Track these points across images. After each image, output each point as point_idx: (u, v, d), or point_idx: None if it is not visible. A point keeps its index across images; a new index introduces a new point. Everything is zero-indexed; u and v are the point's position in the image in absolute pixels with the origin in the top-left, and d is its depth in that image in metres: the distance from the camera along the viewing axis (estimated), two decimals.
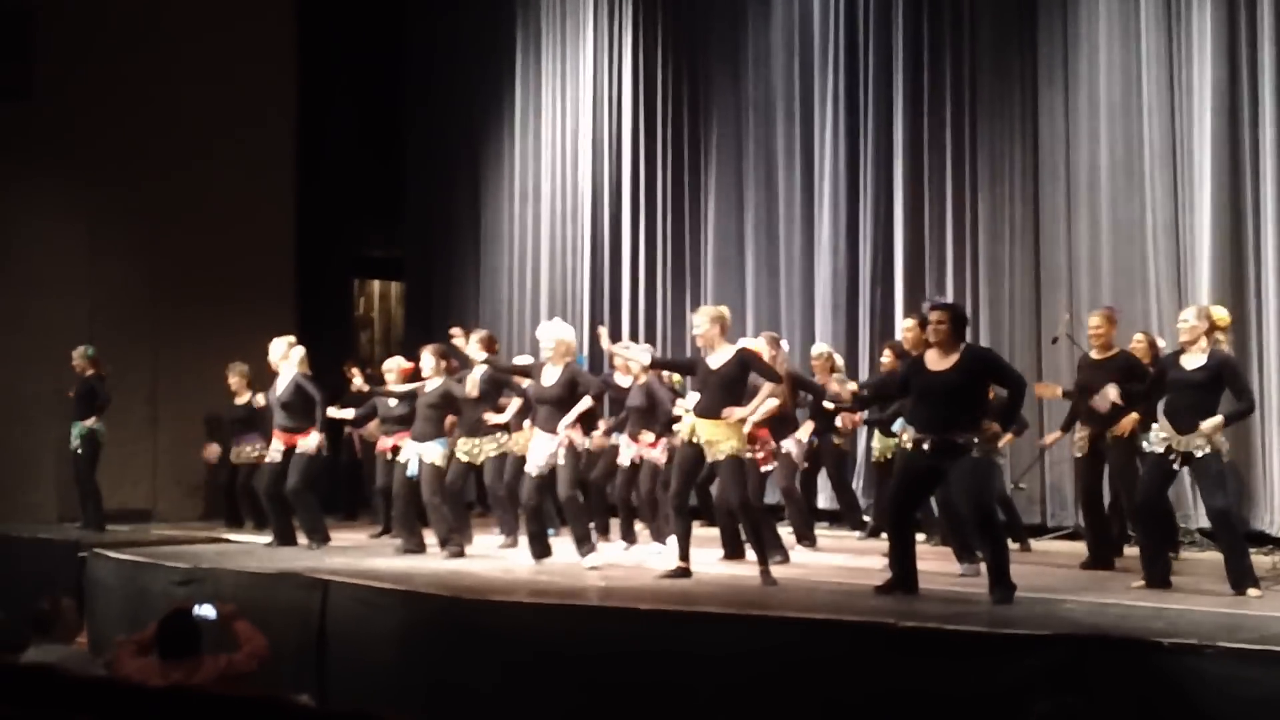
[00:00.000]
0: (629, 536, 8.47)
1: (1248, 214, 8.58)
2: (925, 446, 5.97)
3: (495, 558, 8.03)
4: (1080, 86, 9.46)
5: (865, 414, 8.73)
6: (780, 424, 7.95)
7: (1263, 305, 8.49)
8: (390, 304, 14.35)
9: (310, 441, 8.42)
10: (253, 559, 7.83)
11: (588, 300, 12.17)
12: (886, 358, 8.64)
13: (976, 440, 5.90)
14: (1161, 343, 7.87)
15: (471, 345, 8.34)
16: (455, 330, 8.43)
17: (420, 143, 13.69)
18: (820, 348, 9.33)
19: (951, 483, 6.08)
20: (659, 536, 8.16)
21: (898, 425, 7.22)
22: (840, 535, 9.38)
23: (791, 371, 8.29)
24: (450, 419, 8.36)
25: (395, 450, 8.81)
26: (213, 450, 10.82)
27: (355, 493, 11.08)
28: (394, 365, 9.31)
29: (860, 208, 10.58)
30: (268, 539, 8.71)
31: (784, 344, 8.52)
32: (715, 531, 8.03)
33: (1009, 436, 7.80)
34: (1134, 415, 6.94)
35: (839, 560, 7.91)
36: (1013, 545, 7.06)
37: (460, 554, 7.91)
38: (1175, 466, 6.23)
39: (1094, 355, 7.30)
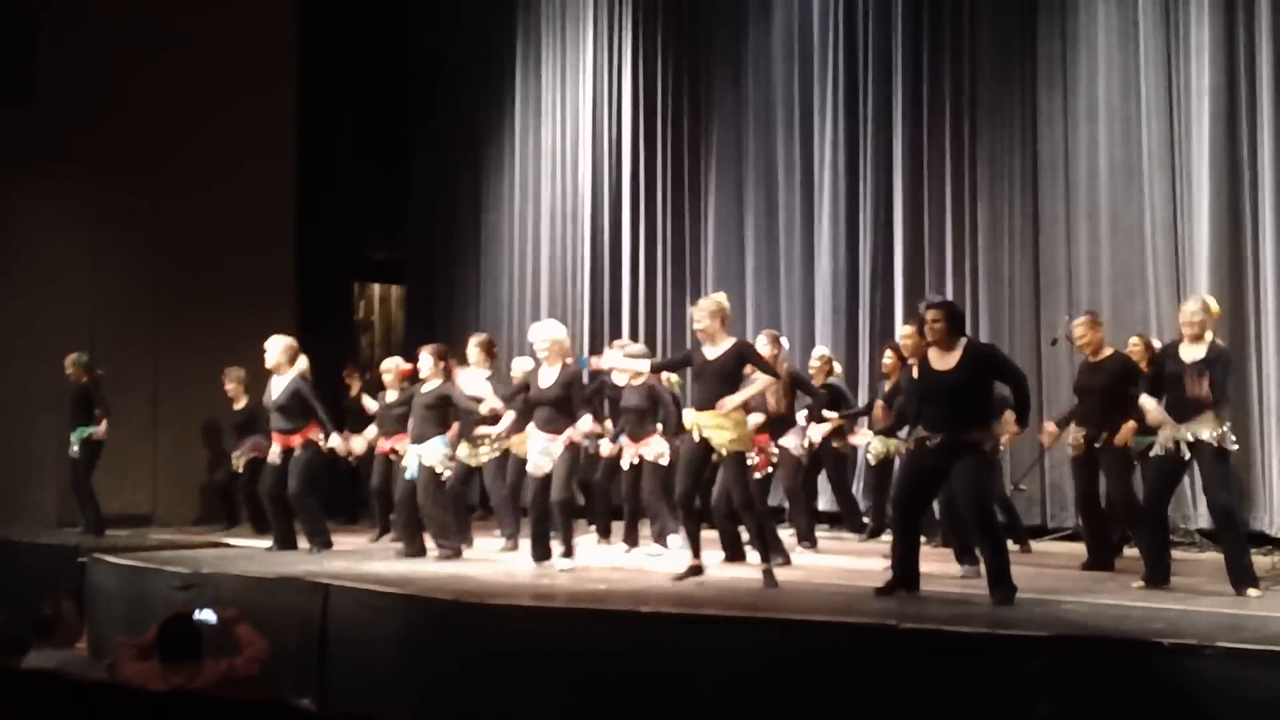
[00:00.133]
0: (631, 539, 8.47)
1: (1246, 217, 8.61)
2: (931, 444, 5.97)
3: (496, 561, 8.03)
4: (1079, 90, 9.48)
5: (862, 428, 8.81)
6: (779, 424, 7.96)
7: (1261, 307, 8.51)
8: (390, 307, 14.36)
9: (322, 438, 8.39)
10: (253, 563, 7.83)
11: (588, 303, 12.18)
12: (888, 359, 8.65)
13: (983, 439, 5.92)
14: (1158, 344, 7.87)
15: (471, 350, 8.34)
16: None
17: (424, 146, 13.71)
18: (820, 351, 9.34)
19: (953, 482, 6.08)
20: (660, 538, 8.16)
21: (902, 433, 7.22)
22: (841, 537, 9.39)
23: (792, 370, 8.28)
24: (452, 431, 8.29)
25: (393, 452, 8.81)
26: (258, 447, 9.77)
27: (356, 496, 11.08)
28: (391, 366, 9.30)
29: (860, 211, 10.60)
30: (268, 543, 8.71)
31: (784, 341, 8.50)
32: (714, 534, 8.03)
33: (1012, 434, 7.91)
34: (1131, 424, 6.94)
35: (840, 562, 7.92)
36: (1013, 547, 7.06)
37: (455, 556, 7.91)
38: (1185, 458, 6.22)
39: (1090, 359, 7.32)
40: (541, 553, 7.52)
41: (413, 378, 8.66)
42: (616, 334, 11.38)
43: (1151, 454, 6.41)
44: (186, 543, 9.24)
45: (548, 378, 7.41)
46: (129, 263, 11.40)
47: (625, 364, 7.65)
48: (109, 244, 11.31)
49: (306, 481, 8.40)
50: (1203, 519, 8.47)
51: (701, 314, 6.76)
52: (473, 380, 8.11)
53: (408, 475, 8.06)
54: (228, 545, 9.10)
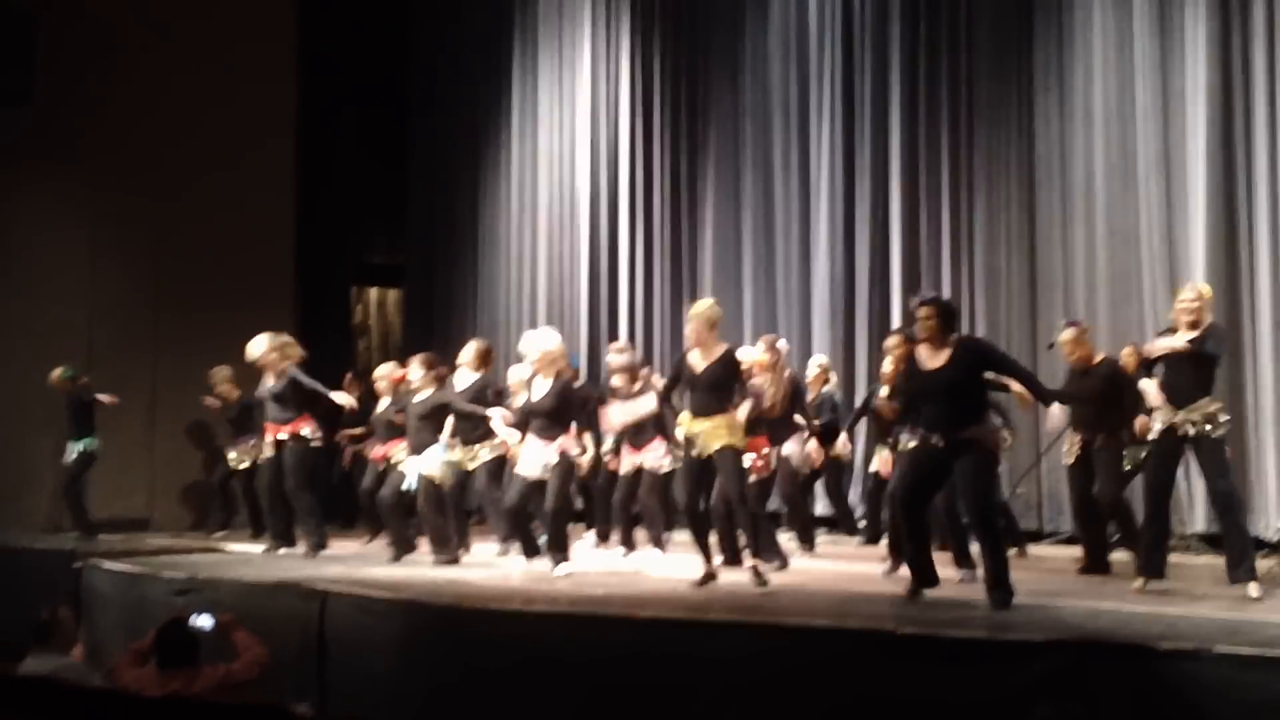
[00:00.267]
0: (628, 543, 8.46)
1: (1241, 220, 8.62)
2: (934, 443, 5.95)
3: (493, 566, 8.02)
4: (1075, 94, 9.50)
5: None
6: (779, 427, 7.95)
7: (1255, 309, 8.53)
8: (388, 311, 14.34)
9: (313, 429, 8.38)
10: (250, 568, 7.82)
11: (585, 307, 12.18)
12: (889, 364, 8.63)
13: (982, 435, 5.92)
14: None
15: (466, 353, 8.33)
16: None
17: (423, 149, 13.72)
18: (819, 359, 9.33)
19: (956, 480, 6.05)
20: (658, 544, 8.16)
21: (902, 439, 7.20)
22: (838, 542, 9.39)
23: (793, 377, 8.29)
24: (446, 432, 8.28)
25: (386, 459, 8.80)
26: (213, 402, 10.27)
27: (352, 500, 11.08)
28: (384, 373, 9.30)
29: (857, 213, 10.61)
30: (264, 545, 8.70)
31: (782, 345, 8.49)
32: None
33: (1009, 439, 8.07)
34: (1144, 420, 6.89)
35: (838, 567, 7.92)
36: (1010, 551, 7.05)
37: (452, 562, 7.91)
38: (1183, 444, 6.23)
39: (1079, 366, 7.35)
40: (531, 550, 7.51)
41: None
42: (614, 336, 11.39)
43: (1149, 438, 6.41)
44: (184, 547, 9.23)
45: (541, 388, 7.40)
46: (128, 265, 11.40)
47: (634, 413, 7.60)
48: (108, 246, 11.31)
49: (303, 477, 8.38)
50: (1199, 523, 8.49)
51: (690, 332, 6.76)
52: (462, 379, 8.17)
53: (405, 485, 8.04)
54: (225, 550, 9.09)
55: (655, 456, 8.02)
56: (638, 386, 8.09)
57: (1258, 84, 8.54)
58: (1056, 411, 7.22)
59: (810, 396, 8.92)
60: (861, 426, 9.13)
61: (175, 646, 5.13)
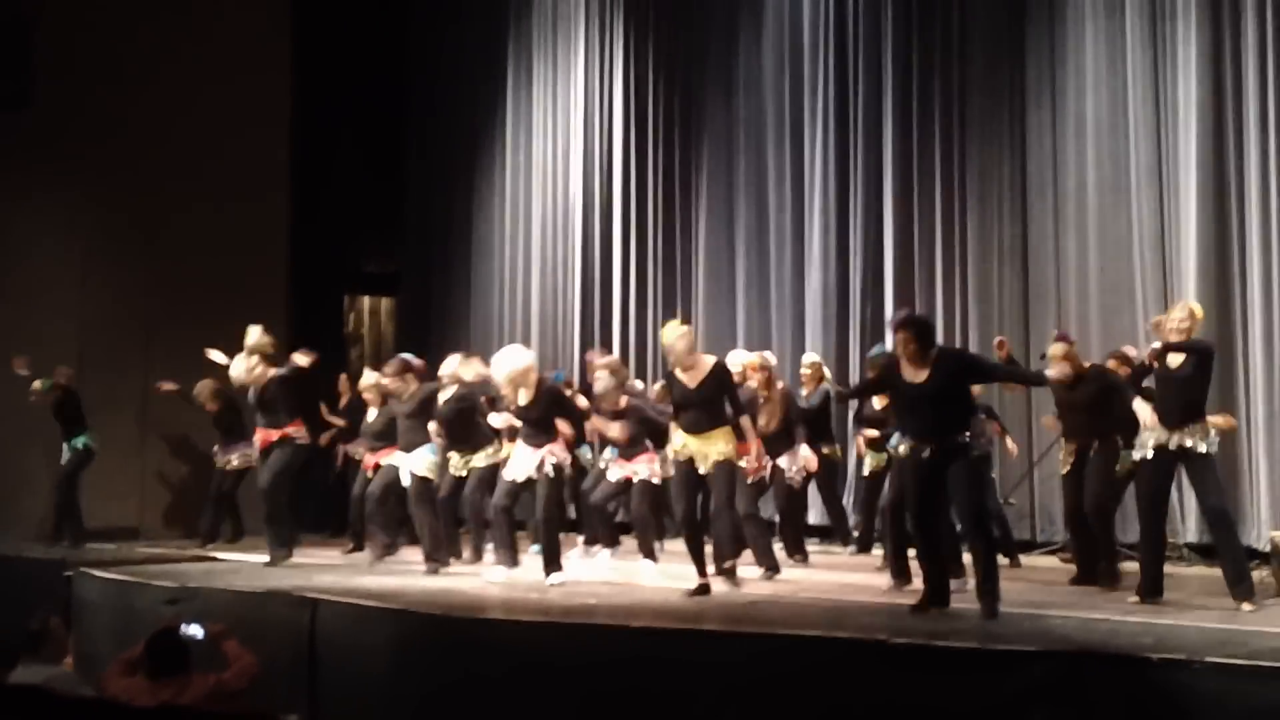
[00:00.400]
0: (606, 541, 8.53)
1: (1233, 230, 8.65)
2: (925, 454, 5.98)
3: (483, 575, 7.99)
4: (1067, 105, 9.53)
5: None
6: (775, 442, 7.96)
7: (1248, 321, 8.55)
8: (380, 320, 14.33)
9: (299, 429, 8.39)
10: (240, 577, 7.80)
11: (578, 317, 12.19)
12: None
13: (970, 441, 5.94)
14: (1132, 352, 7.88)
15: (450, 361, 8.34)
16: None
17: (418, 160, 13.73)
18: (810, 358, 9.35)
19: (948, 487, 6.06)
20: (650, 554, 8.14)
21: (893, 441, 7.22)
22: (831, 551, 9.38)
23: (787, 390, 8.33)
24: (433, 430, 8.28)
25: (377, 468, 8.80)
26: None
27: (343, 508, 11.05)
28: (369, 383, 9.29)
29: (850, 225, 10.63)
30: (245, 555, 8.69)
31: (771, 356, 8.51)
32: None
33: (1010, 443, 8.28)
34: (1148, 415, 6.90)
35: (831, 576, 7.91)
36: (1002, 561, 7.06)
37: (445, 564, 7.89)
38: (1176, 461, 6.23)
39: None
40: (511, 560, 7.50)
41: None
42: (607, 346, 11.37)
43: (1136, 456, 6.40)
44: (174, 556, 9.20)
45: (525, 397, 7.39)
46: (120, 274, 11.37)
47: (607, 429, 7.70)
48: (101, 255, 11.29)
49: (281, 480, 8.35)
50: (1191, 533, 8.50)
51: (673, 356, 6.79)
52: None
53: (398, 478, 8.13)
54: (215, 559, 9.06)
55: (646, 468, 8.02)
56: (624, 402, 8.06)
57: (1249, 96, 8.57)
58: (1050, 419, 7.23)
59: (806, 393, 8.94)
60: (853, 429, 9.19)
61: (166, 656, 5.12)
